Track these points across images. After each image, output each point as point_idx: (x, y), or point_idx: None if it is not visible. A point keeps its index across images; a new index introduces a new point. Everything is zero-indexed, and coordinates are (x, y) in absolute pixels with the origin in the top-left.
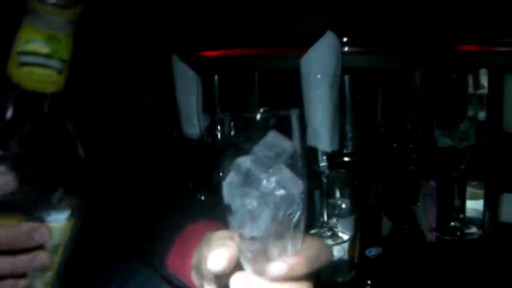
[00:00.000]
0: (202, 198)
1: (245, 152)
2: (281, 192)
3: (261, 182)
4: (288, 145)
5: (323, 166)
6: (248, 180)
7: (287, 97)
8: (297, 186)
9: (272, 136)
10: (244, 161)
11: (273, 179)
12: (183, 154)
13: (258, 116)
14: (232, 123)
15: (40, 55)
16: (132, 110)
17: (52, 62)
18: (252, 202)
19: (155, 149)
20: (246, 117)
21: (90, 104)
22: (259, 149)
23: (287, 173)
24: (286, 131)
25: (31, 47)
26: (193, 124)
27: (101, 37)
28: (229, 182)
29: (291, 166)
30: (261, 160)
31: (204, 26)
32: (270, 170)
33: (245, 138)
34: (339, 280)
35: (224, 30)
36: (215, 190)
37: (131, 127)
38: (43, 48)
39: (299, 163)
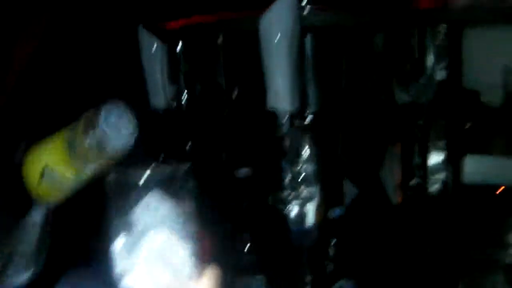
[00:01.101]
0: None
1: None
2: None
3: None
4: (169, 208)
5: (285, 127)
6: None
7: (249, 61)
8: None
9: (154, 199)
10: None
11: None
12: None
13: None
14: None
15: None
16: (101, 81)
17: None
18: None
19: None
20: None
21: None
22: (141, 211)
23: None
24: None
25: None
26: (159, 94)
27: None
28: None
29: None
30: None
31: None
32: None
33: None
34: (305, 242)
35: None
36: (185, 158)
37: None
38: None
39: (186, 223)
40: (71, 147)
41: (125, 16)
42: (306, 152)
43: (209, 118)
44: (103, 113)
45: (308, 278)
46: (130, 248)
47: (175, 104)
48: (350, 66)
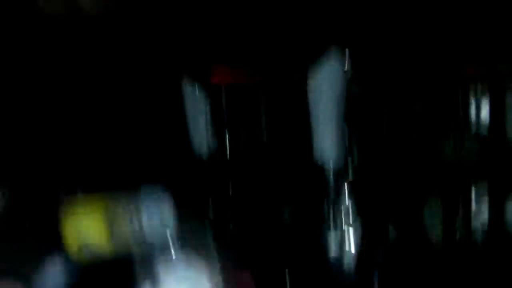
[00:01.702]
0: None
1: None
2: None
3: None
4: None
5: (330, 181)
6: None
7: (292, 118)
8: None
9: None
10: None
11: None
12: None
13: None
14: None
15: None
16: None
17: None
18: None
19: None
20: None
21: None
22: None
23: None
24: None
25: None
26: (203, 144)
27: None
28: None
29: None
30: None
31: (213, 55)
32: None
33: None
34: (347, 282)
35: (231, 58)
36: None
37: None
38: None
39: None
40: (111, 228)
41: (170, 70)
42: (349, 201)
43: (252, 170)
44: (143, 202)
45: None
46: None
47: (218, 154)
48: (393, 123)
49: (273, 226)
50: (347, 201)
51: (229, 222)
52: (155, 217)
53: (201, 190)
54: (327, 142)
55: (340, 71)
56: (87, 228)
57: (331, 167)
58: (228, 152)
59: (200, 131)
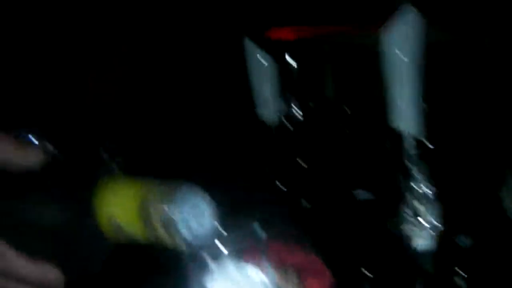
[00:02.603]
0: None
1: None
2: None
3: None
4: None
5: (410, 150)
6: None
7: (361, 76)
8: None
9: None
10: None
11: None
12: (260, 139)
13: None
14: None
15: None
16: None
17: None
18: None
19: (232, 133)
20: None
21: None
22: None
23: None
24: None
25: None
26: (269, 107)
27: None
28: None
29: None
30: None
31: (277, 6)
32: None
33: None
34: (426, 268)
35: (297, 9)
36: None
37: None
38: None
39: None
40: (142, 215)
41: (231, 27)
42: (429, 175)
43: (321, 134)
44: (179, 199)
45: None
46: None
47: (283, 117)
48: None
49: (343, 202)
50: (423, 174)
51: (297, 194)
52: (195, 212)
53: (267, 159)
54: (408, 107)
55: (417, 30)
56: (121, 208)
57: (406, 132)
58: (295, 116)
59: (265, 93)
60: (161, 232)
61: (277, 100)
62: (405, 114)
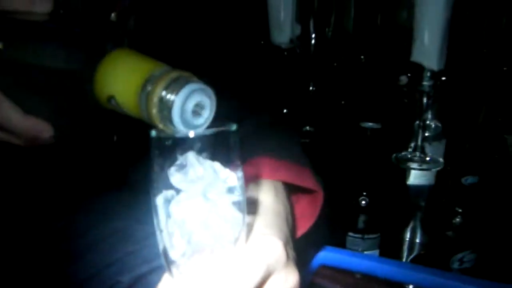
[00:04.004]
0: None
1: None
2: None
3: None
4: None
5: (426, 85)
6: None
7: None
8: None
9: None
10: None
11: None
12: (271, 64)
13: (192, 135)
14: (161, 144)
15: None
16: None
17: None
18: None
19: (240, 57)
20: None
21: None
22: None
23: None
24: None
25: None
26: (283, 31)
27: None
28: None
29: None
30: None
31: None
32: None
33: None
34: (426, 205)
35: None
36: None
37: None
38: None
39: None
40: (141, 99)
41: None
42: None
43: (335, 63)
44: (183, 93)
45: (427, 244)
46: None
47: (299, 43)
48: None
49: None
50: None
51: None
52: (190, 119)
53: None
54: (432, 40)
55: None
56: (121, 87)
57: (431, 69)
58: (312, 43)
59: (281, 14)
60: (154, 113)
61: (292, 25)
62: (427, 47)
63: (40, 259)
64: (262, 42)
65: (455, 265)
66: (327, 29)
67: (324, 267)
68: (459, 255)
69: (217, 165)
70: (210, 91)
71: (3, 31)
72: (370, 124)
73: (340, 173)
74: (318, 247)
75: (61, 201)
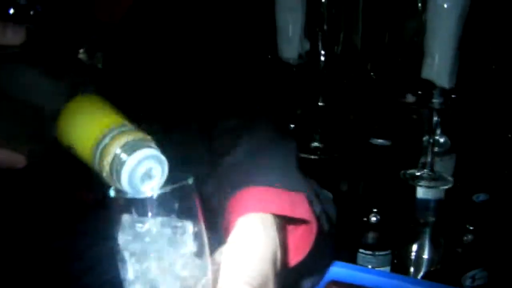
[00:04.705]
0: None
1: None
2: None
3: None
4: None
5: (436, 102)
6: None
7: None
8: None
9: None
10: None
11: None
12: (279, 79)
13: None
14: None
15: None
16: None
17: None
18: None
19: (246, 73)
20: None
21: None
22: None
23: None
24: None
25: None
26: (292, 47)
27: None
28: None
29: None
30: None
31: None
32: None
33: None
34: (436, 221)
35: None
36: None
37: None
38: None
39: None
40: (96, 152)
41: None
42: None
43: (344, 79)
44: (137, 155)
45: (438, 261)
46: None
47: (307, 59)
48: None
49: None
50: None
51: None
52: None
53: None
54: (443, 59)
55: None
56: (81, 137)
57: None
58: (321, 59)
59: (290, 29)
60: (106, 169)
61: (301, 39)
62: (438, 65)
63: (37, 280)
64: (269, 57)
65: (468, 283)
66: (335, 47)
67: (334, 282)
68: (471, 273)
69: (171, 220)
70: (163, 159)
71: None
72: (380, 140)
73: (350, 190)
74: (326, 267)
75: (57, 222)
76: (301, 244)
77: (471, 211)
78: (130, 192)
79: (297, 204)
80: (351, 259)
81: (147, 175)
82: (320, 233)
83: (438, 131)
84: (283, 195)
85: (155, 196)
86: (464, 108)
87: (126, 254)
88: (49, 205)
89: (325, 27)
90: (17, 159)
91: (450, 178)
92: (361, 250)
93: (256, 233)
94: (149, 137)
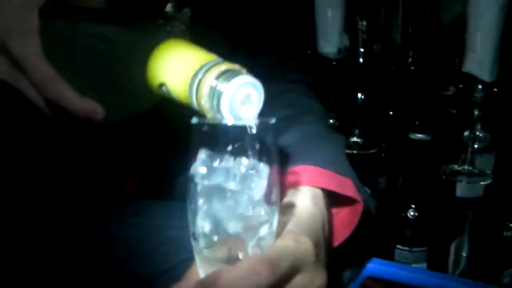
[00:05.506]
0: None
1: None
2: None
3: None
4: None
5: (478, 96)
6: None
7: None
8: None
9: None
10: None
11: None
12: (319, 74)
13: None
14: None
15: None
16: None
17: None
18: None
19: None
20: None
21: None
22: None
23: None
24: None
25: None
26: (330, 42)
27: None
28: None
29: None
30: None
31: None
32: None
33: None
34: (475, 218)
35: None
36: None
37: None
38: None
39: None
40: (192, 87)
41: None
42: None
43: (384, 74)
44: (233, 84)
45: (476, 258)
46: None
47: (347, 54)
48: None
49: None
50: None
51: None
52: (237, 111)
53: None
54: (486, 51)
55: None
56: (174, 76)
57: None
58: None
59: (329, 26)
60: (204, 102)
61: (340, 34)
62: (481, 58)
63: (90, 269)
64: (309, 52)
65: (506, 280)
66: (375, 42)
67: (371, 279)
68: (510, 270)
69: (249, 159)
70: (259, 85)
71: (64, 14)
72: (419, 135)
73: (388, 185)
74: (365, 260)
75: (113, 209)
76: (345, 223)
77: (511, 208)
78: (231, 119)
79: (345, 185)
80: (389, 254)
81: (246, 101)
82: (364, 217)
83: (479, 126)
84: (332, 176)
85: (254, 123)
86: (505, 103)
87: (196, 186)
88: (97, 194)
89: (364, 22)
90: (97, 109)
91: (489, 174)
92: (398, 246)
93: (307, 204)
94: (240, 67)
